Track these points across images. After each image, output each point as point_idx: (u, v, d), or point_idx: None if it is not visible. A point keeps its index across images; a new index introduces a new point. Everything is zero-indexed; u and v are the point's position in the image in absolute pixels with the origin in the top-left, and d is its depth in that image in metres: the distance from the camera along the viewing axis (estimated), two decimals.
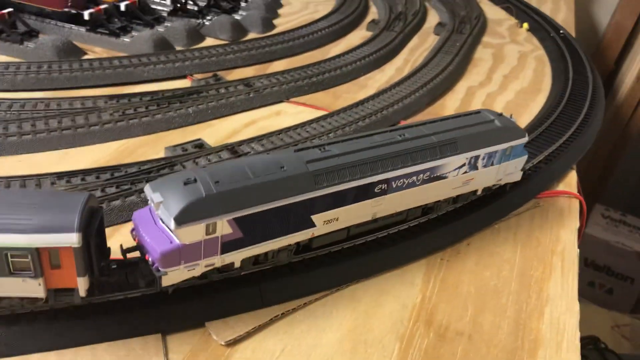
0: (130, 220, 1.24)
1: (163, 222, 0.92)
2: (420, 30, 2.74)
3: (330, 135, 1.62)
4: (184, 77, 1.96)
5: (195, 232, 0.91)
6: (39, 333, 0.94)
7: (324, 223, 1.07)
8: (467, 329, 1.08)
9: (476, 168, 1.24)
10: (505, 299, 1.16)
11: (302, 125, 1.66)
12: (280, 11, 2.78)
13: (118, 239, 1.11)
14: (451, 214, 1.31)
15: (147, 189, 0.94)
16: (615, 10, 3.59)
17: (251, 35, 2.40)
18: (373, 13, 2.92)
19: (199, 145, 1.52)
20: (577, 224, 1.43)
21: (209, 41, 2.30)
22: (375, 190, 1.10)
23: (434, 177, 1.17)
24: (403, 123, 1.78)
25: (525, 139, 1.30)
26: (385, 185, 1.10)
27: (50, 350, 0.94)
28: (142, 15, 2.31)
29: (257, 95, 1.84)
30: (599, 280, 3.01)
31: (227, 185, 0.93)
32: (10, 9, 2.07)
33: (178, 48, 2.16)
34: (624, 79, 3.35)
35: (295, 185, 0.99)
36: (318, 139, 1.58)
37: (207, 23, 2.40)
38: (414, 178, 1.14)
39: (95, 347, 0.95)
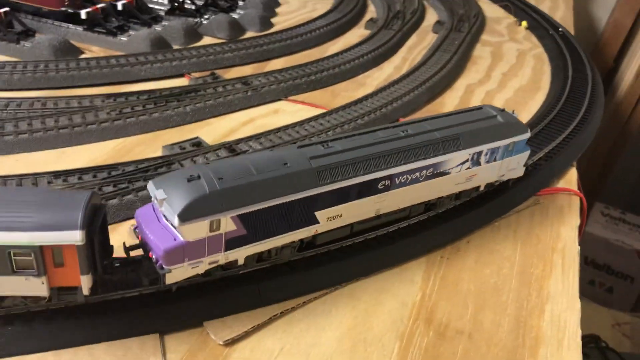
0: (128, 218, 1.24)
1: (166, 219, 0.91)
2: (419, 29, 2.73)
3: (329, 133, 1.61)
4: (181, 75, 1.95)
5: (199, 229, 0.90)
6: (37, 333, 0.93)
7: (328, 219, 1.06)
8: (467, 327, 1.07)
9: (479, 164, 1.24)
10: (505, 297, 1.15)
11: (301, 123, 1.65)
12: (278, 10, 2.77)
13: (116, 237, 1.09)
14: (451, 211, 1.31)
15: (150, 185, 0.93)
16: (614, 8, 3.58)
17: (249, 34, 2.40)
18: (371, 11, 2.92)
19: (197, 143, 1.52)
20: (578, 221, 1.43)
21: (206, 40, 2.29)
22: (379, 186, 1.09)
23: (437, 173, 1.17)
24: (402, 120, 1.77)
25: (528, 135, 1.30)
26: (389, 181, 1.10)
27: (48, 351, 0.93)
28: (140, 14, 2.30)
29: (255, 94, 1.83)
30: (599, 278, 3.01)
31: (231, 181, 0.92)
32: (7, 9, 2.06)
33: (175, 47, 2.16)
34: (624, 77, 3.35)
35: (298, 182, 0.98)
36: (317, 137, 1.57)
37: (204, 22, 2.39)
38: (417, 174, 1.13)
39: (93, 347, 0.94)
